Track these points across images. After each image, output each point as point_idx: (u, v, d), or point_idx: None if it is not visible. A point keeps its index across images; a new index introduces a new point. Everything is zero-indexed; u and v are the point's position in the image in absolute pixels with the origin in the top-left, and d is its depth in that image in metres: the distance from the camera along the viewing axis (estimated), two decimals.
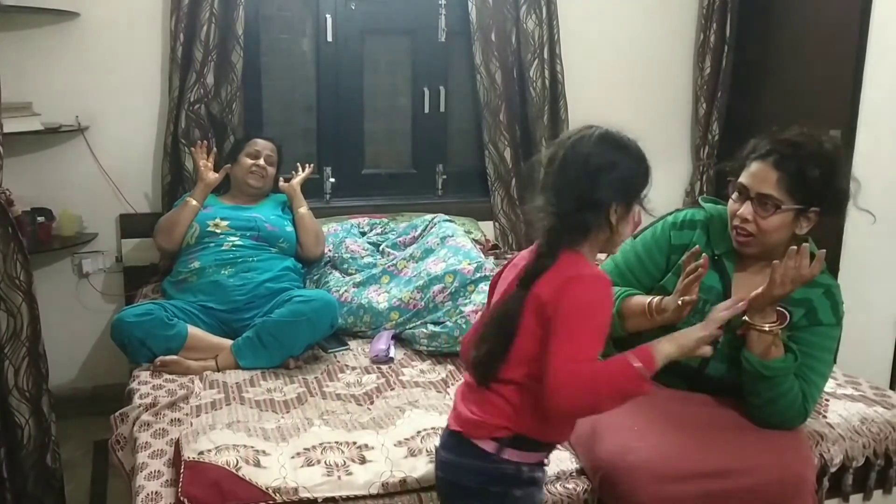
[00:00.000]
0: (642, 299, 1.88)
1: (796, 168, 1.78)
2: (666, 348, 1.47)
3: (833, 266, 3.24)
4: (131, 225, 3.26)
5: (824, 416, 2.11)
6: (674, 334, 1.51)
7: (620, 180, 1.46)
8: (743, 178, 1.85)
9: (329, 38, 3.47)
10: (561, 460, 1.87)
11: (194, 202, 2.88)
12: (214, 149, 3.09)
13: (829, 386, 2.30)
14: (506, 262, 1.62)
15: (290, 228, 2.98)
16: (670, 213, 2.04)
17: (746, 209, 1.82)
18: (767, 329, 1.76)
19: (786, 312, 1.86)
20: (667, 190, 4.00)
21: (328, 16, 3.44)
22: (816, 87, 3.47)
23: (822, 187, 1.79)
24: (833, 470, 2.01)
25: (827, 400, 2.21)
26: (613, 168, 1.46)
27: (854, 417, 2.11)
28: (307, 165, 3.16)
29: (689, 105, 4.04)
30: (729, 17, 3.84)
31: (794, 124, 1.88)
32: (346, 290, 2.86)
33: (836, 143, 1.84)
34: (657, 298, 1.83)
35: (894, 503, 2.17)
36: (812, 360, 1.85)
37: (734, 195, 1.87)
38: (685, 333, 1.51)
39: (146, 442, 1.98)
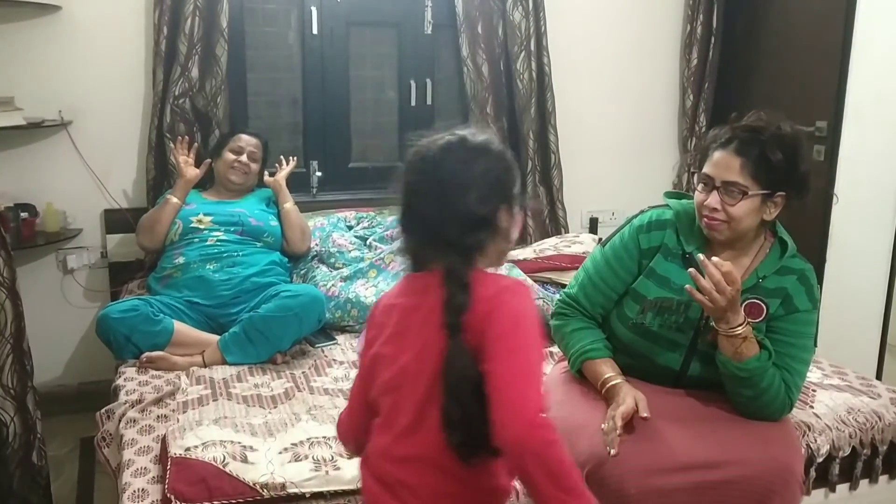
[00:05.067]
0: (601, 371, 1.89)
1: (759, 153, 1.78)
2: None
3: (820, 258, 3.25)
4: (116, 220, 3.23)
5: (811, 407, 2.12)
6: None
7: (498, 183, 1.34)
8: (706, 168, 1.85)
9: (314, 31, 3.45)
10: None
11: (175, 199, 2.84)
12: (196, 143, 3.06)
13: (816, 376, 2.32)
14: (379, 305, 1.43)
15: (274, 223, 2.96)
16: (636, 216, 2.02)
17: (713, 199, 1.82)
18: (735, 333, 1.75)
19: (762, 305, 1.86)
20: (655, 182, 3.99)
21: (313, 8, 3.42)
22: (803, 79, 3.48)
23: (786, 171, 1.79)
24: (820, 460, 2.03)
25: (814, 390, 2.22)
26: (486, 173, 1.33)
27: (840, 407, 2.13)
28: (291, 159, 3.14)
29: (676, 96, 4.05)
30: (716, 9, 3.84)
31: (752, 110, 1.88)
32: (333, 285, 2.86)
33: (794, 126, 1.84)
34: (610, 385, 1.84)
35: (880, 492, 2.18)
36: (792, 348, 1.85)
37: (699, 186, 1.87)
38: None
39: (132, 438, 1.97)
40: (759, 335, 1.82)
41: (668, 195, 2.04)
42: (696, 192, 1.89)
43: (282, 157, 3.15)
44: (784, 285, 1.87)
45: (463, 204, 1.30)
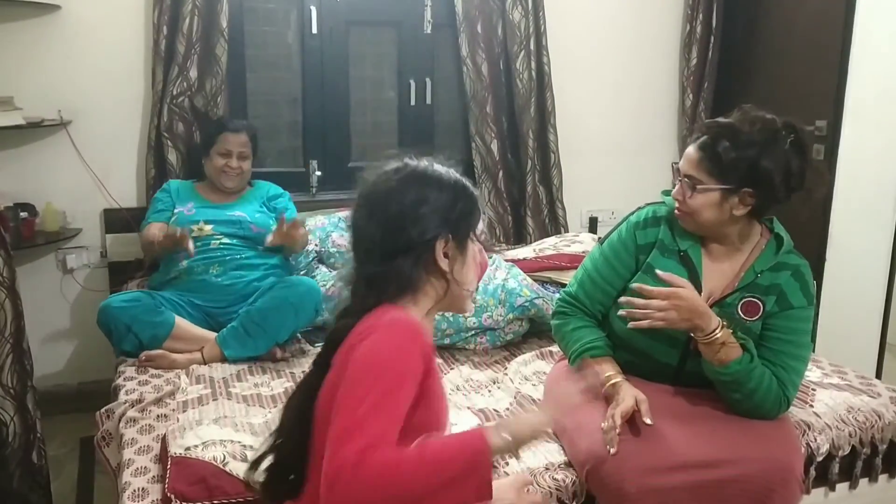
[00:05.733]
0: (601, 370, 1.89)
1: (713, 149, 1.82)
2: (499, 441, 1.15)
3: (819, 257, 3.26)
4: (116, 220, 3.23)
5: (811, 406, 2.12)
6: (511, 423, 1.20)
7: (435, 212, 1.25)
8: (680, 161, 1.91)
9: (314, 31, 3.45)
10: (549, 452, 1.88)
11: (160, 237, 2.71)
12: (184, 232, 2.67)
13: (816, 375, 2.32)
14: None
15: (274, 228, 2.88)
16: (633, 213, 2.05)
17: (677, 190, 1.89)
18: (713, 339, 1.76)
19: (759, 303, 1.86)
20: (654, 181, 3.99)
21: (312, 7, 3.42)
22: (802, 78, 3.48)
23: (745, 169, 1.79)
24: (820, 459, 2.02)
25: (813, 389, 2.22)
26: (423, 202, 1.24)
27: (840, 406, 2.12)
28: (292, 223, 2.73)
29: (676, 96, 4.04)
30: (715, 8, 3.84)
31: (735, 107, 1.92)
32: (332, 284, 2.85)
33: (772, 125, 1.83)
34: (610, 384, 1.85)
35: (880, 491, 2.18)
36: (788, 345, 1.85)
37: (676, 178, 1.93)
38: (522, 422, 1.23)
39: (132, 438, 1.97)
40: (752, 335, 1.83)
41: (666, 193, 2.05)
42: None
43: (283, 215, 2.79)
44: (778, 282, 1.87)
45: (388, 228, 1.23)
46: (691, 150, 1.87)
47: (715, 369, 1.79)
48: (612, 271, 1.99)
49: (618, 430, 1.71)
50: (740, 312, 1.86)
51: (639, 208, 2.05)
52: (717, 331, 1.76)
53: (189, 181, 2.97)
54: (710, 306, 1.85)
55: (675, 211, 1.91)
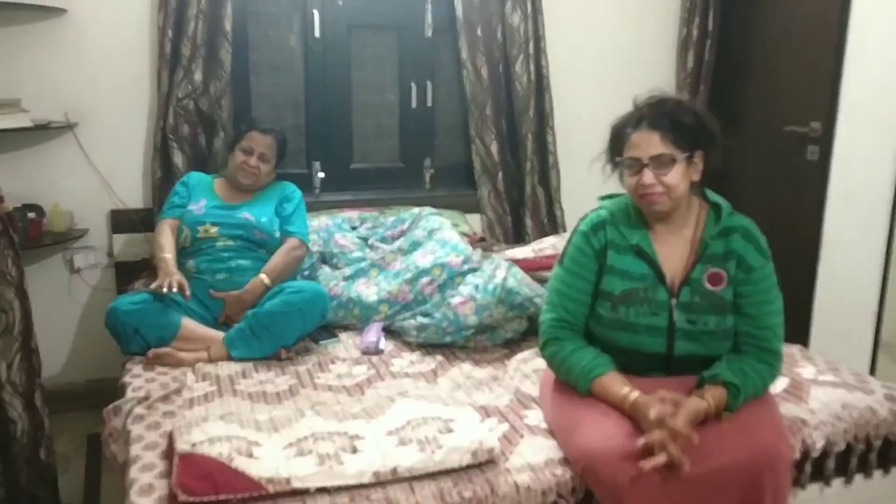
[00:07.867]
0: (614, 389, 1.87)
1: (670, 121, 1.90)
2: None
3: (814, 257, 3.29)
4: (122, 220, 3.27)
5: (806, 403, 2.15)
6: None
7: None
8: (629, 153, 1.94)
9: (317, 34, 3.49)
10: (548, 448, 1.91)
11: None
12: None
13: (811, 372, 2.34)
14: None
15: (278, 234, 2.89)
16: (578, 225, 2.09)
17: (647, 176, 1.90)
18: (709, 415, 1.79)
19: (722, 272, 1.94)
20: None
21: (315, 11, 3.46)
22: (798, 80, 3.50)
23: (697, 130, 1.92)
24: (815, 455, 2.05)
25: (809, 387, 2.25)
26: None
27: (835, 403, 2.15)
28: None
29: None
30: (711, 11, 3.85)
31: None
32: (335, 285, 2.89)
33: (683, 95, 1.96)
34: (630, 403, 1.82)
35: (874, 487, 2.20)
36: (762, 305, 1.93)
37: (626, 171, 1.96)
38: None
39: (139, 434, 1.99)
40: (726, 303, 1.91)
41: (601, 198, 2.13)
42: (627, 178, 1.97)
43: None
44: (733, 247, 1.94)
45: None
46: (645, 133, 1.90)
47: (726, 415, 1.82)
48: (581, 280, 2.02)
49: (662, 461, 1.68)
50: (707, 285, 1.92)
51: (581, 220, 2.10)
52: (708, 408, 1.78)
53: (211, 175, 3.01)
54: (679, 288, 1.93)
55: (646, 198, 1.92)
